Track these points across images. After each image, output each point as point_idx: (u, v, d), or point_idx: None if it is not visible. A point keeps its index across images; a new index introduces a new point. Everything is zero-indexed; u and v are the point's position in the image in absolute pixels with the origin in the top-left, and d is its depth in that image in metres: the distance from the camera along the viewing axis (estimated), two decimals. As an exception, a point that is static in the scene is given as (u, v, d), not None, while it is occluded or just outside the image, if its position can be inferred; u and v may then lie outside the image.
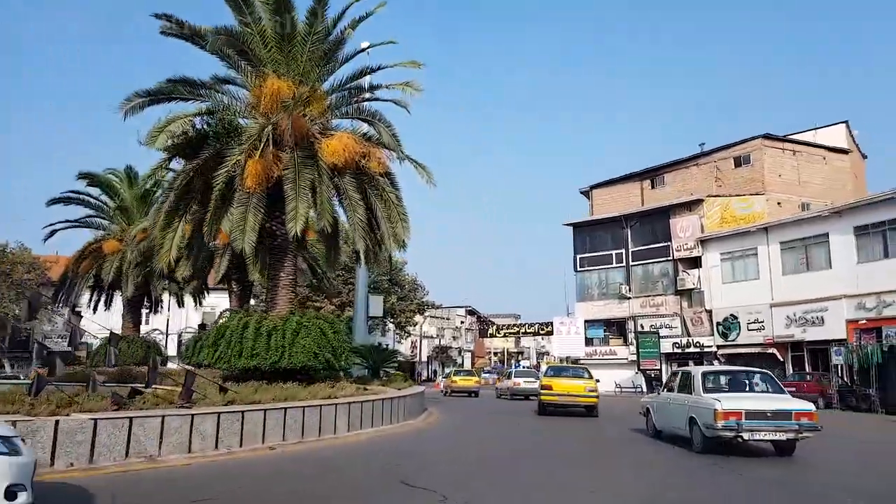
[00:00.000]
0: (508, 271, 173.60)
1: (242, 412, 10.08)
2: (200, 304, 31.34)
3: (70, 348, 36.06)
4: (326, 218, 13.67)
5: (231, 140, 14.36)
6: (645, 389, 36.03)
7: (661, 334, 38.47)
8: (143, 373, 15.78)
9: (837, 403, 23.67)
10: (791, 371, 31.48)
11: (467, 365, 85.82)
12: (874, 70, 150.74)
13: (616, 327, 42.53)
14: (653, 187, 45.61)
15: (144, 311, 34.51)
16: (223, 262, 23.46)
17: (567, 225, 46.01)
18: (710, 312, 36.61)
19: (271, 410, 10.60)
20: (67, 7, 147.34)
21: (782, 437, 10.46)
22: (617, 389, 38.93)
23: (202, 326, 29.85)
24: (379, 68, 15.80)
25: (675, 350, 37.79)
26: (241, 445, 9.82)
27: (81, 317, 35.21)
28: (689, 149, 44.30)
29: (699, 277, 37.42)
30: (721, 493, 8.05)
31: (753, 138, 40.63)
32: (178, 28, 14.40)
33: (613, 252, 42.72)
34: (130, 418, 8.48)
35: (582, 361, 41.03)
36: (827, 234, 30.59)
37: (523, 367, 60.86)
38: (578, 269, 44.51)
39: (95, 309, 31.78)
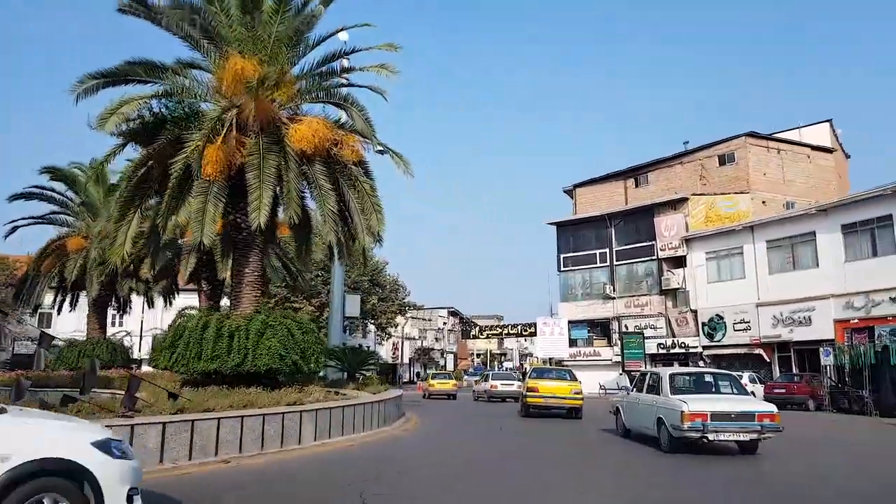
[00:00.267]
0: (492, 272, 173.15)
1: (192, 421, 9.03)
2: (170, 304, 30.05)
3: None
4: (293, 208, 12.61)
5: (192, 125, 13.24)
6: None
7: (645, 335, 37.80)
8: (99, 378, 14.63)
9: (829, 405, 23.05)
10: (778, 372, 30.97)
11: (450, 367, 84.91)
12: (851, 70, 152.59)
13: (600, 328, 41.81)
14: (636, 186, 45.04)
15: (113, 313, 33.29)
16: (191, 259, 22.24)
17: (550, 224, 45.25)
18: (695, 313, 36.01)
19: (227, 419, 9.56)
20: (67, 7, 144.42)
21: (746, 437, 10.91)
22: (601, 391, 38.18)
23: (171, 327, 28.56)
24: (353, 51, 14.77)
25: (660, 351, 37.14)
26: (189, 459, 8.76)
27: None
28: (672, 148, 43.86)
29: (684, 277, 36.82)
30: (708, 493, 8.16)
31: (738, 136, 40.20)
32: (136, 5, 13.30)
33: (597, 251, 42.02)
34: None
35: (566, 363, 40.25)
36: (814, 233, 30.10)
37: (506, 369, 59.97)
38: (562, 268, 43.75)
39: (60, 310, 30.38)
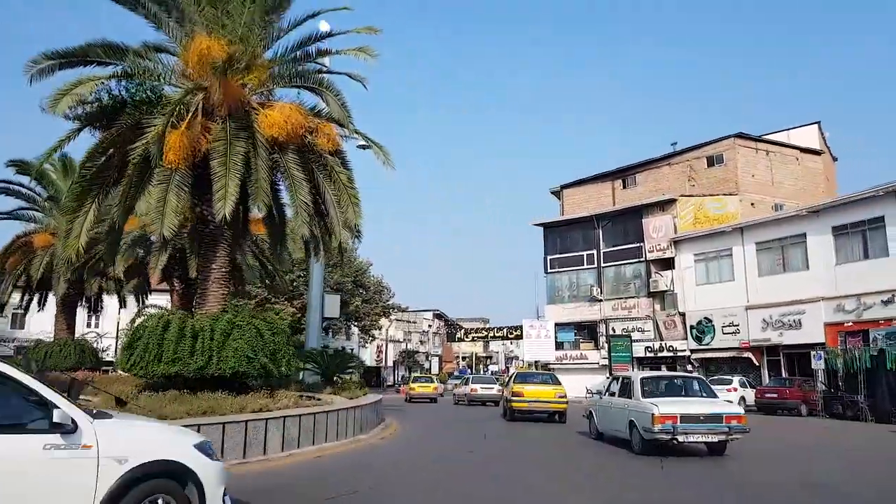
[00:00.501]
0: (479, 274, 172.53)
1: (140, 431, 8.06)
2: (144, 304, 28.87)
3: None
4: (262, 197, 11.68)
5: (155, 109, 12.27)
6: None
7: (633, 338, 37.16)
8: (60, 378, 13.58)
9: (822, 411, 22.45)
10: (767, 376, 30.44)
11: (435, 370, 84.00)
12: (839, 72, 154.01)
13: (587, 331, 41.15)
14: (624, 187, 44.49)
15: (84, 313, 32.06)
16: (161, 256, 21.13)
17: (537, 225, 44.56)
18: (683, 315, 35.43)
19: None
20: (67, 7, 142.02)
21: (714, 438, 11.22)
22: (588, 395, 37.44)
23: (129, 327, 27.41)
24: (331, 34, 13.91)
25: (648, 354, 36.53)
26: (135, 474, 7.81)
27: None
28: (660, 149, 43.34)
29: (672, 279, 36.25)
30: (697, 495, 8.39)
31: (726, 137, 39.75)
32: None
33: (584, 253, 41.39)
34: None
35: (552, 366, 39.57)
36: (804, 235, 29.63)
37: (492, 373, 59.16)
38: (549, 270, 43.06)
39: (27, 309, 29.15)
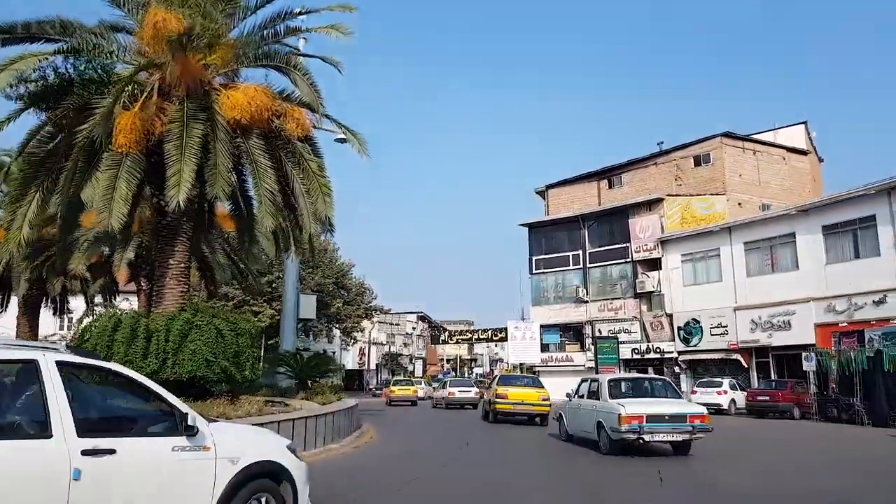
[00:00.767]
0: (463, 276, 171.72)
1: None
2: (111, 304, 27.59)
3: None
4: (220, 184, 10.64)
5: (105, 89, 11.23)
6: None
7: (619, 339, 36.36)
8: None
9: (815, 414, 21.75)
10: (756, 378, 29.81)
11: (419, 373, 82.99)
12: (821, 72, 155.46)
13: (573, 332, 40.35)
14: (610, 187, 43.86)
15: (50, 314, 30.69)
16: (126, 253, 19.97)
17: (522, 225, 43.76)
18: (670, 316, 34.74)
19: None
20: (67, 7, 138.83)
21: (679, 438, 11.50)
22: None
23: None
24: (301, 13, 12.95)
25: (635, 356, 35.80)
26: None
27: None
28: (646, 149, 42.73)
29: (659, 280, 35.56)
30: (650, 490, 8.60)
31: (713, 137, 39.26)
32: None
33: (570, 253, 40.62)
34: None
35: (537, 369, 38.75)
36: (793, 234, 29.05)
37: (477, 375, 58.17)
38: (534, 271, 42.25)
39: (-10, 310, 27.75)
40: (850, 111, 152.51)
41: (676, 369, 34.09)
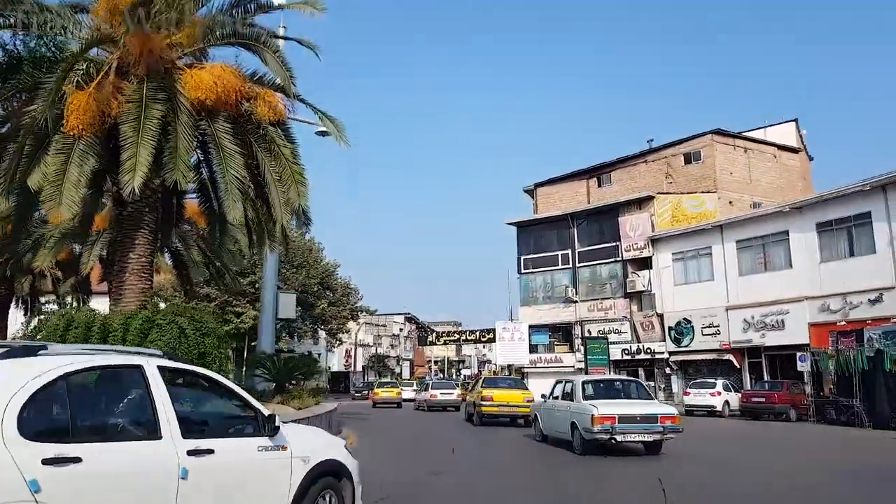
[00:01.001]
0: (451, 276, 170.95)
1: None
2: (84, 304, 26.47)
3: None
4: (180, 169, 9.73)
5: (58, 68, 10.30)
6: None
7: (609, 340, 35.67)
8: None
9: (812, 416, 21.13)
10: (749, 379, 29.24)
11: (406, 374, 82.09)
12: (810, 71, 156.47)
13: (562, 333, 39.63)
14: (599, 186, 43.22)
15: (21, 315, 29.55)
16: (94, 250, 18.94)
17: (510, 224, 43.00)
18: (661, 316, 34.11)
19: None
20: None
21: (650, 438, 11.82)
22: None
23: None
24: (274, -9, 12.08)
25: (625, 357, 35.14)
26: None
27: None
28: (635, 147, 42.17)
29: (650, 279, 34.92)
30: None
31: (704, 134, 38.70)
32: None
33: (559, 253, 39.91)
34: None
35: (526, 370, 38.03)
36: (787, 232, 28.51)
37: (464, 377, 57.30)
38: (522, 271, 41.50)
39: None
40: (838, 111, 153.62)
41: (667, 370, 33.50)
